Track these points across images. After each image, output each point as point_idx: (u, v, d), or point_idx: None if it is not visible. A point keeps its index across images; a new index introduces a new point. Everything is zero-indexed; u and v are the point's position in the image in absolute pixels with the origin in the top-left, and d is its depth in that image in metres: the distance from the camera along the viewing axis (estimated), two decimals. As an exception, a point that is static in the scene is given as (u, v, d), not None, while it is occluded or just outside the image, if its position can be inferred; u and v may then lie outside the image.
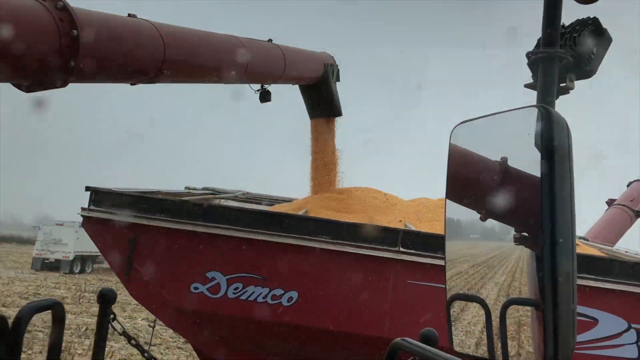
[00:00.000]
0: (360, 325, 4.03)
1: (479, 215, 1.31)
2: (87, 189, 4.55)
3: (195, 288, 4.28)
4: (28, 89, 3.33)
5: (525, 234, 1.19)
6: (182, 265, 4.35)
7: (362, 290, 4.20)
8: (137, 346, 3.99)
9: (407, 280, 4.13)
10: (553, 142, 1.12)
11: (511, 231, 1.25)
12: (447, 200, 1.44)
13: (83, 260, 28.58)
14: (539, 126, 1.14)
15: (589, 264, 4.14)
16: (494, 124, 1.33)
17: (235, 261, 4.29)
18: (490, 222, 1.29)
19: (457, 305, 1.40)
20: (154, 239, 4.37)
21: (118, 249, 4.47)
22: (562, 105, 3.30)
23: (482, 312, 1.28)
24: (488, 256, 1.39)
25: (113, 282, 23.73)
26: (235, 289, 4.26)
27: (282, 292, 4.22)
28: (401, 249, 4.13)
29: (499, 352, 1.22)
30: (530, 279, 1.15)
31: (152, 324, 6.80)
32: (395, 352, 2.19)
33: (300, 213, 5.13)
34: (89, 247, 26.59)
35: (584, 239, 6.94)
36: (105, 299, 3.54)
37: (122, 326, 3.68)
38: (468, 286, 1.42)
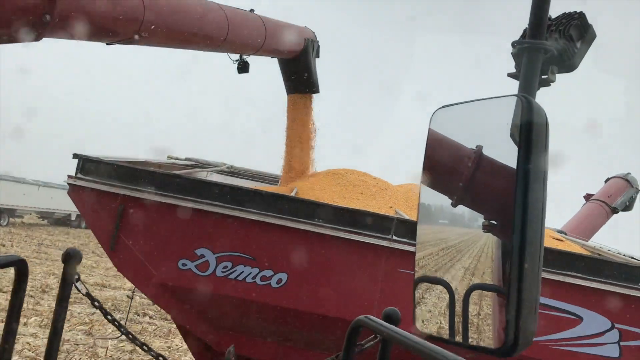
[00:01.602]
0: (348, 311, 4.12)
1: (450, 201, 1.35)
2: (75, 156, 4.50)
3: (183, 264, 4.31)
4: (1, 42, 3.29)
5: (494, 222, 1.23)
6: (171, 241, 4.36)
7: (353, 276, 4.28)
8: (100, 308, 3.99)
9: (398, 269, 4.21)
10: (532, 132, 1.15)
11: (480, 218, 1.29)
12: (422, 184, 1.48)
13: (-4, 212, 29.87)
14: (519, 116, 1.17)
15: (576, 262, 4.28)
16: (473, 111, 1.36)
17: (226, 239, 4.31)
18: (461, 208, 1.33)
19: (423, 287, 1.46)
20: (142, 211, 4.36)
21: (104, 220, 4.43)
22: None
23: (447, 295, 1.34)
24: (456, 241, 1.44)
25: (22, 235, 25.28)
26: (224, 268, 4.30)
27: (272, 273, 4.28)
28: (394, 237, 4.20)
29: (459, 335, 1.29)
30: (495, 266, 1.20)
31: (130, 295, 6.84)
32: (357, 329, 2.32)
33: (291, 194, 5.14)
34: (7, 200, 28.73)
35: (562, 232, 7.14)
36: (69, 258, 3.52)
37: (85, 287, 3.66)
38: (435, 269, 1.48)
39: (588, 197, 9.50)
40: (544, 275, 4.18)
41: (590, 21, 3.81)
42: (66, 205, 33.27)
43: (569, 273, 4.22)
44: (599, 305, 4.22)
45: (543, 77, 3.48)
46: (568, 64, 3.68)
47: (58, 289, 3.56)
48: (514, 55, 3.53)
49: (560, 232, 6.97)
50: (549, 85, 3.62)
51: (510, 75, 3.68)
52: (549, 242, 5.07)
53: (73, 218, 35.24)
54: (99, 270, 17.71)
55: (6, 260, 2.43)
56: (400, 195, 5.97)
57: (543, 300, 4.25)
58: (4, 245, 20.62)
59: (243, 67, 6.41)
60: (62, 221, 35.15)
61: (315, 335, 4.40)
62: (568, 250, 4.62)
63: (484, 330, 1.23)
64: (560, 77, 3.61)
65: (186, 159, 8.00)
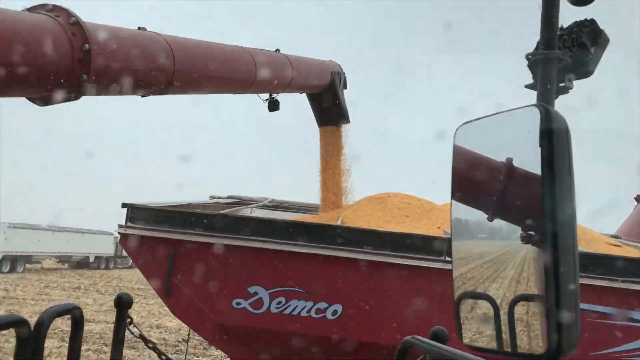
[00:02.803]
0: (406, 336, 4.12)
1: (485, 216, 1.38)
2: (124, 205, 4.70)
3: (238, 303, 4.43)
4: (43, 103, 3.54)
5: (531, 232, 1.24)
6: (223, 281, 4.49)
7: (408, 301, 4.31)
8: (154, 349, 4.12)
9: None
10: (552, 140, 1.17)
11: (518, 230, 1.31)
12: (453, 200, 1.50)
13: (13, 261, 30.98)
14: (539, 125, 1.19)
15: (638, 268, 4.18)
16: (496, 124, 1.38)
17: (277, 275, 4.43)
18: (497, 222, 1.36)
19: (465, 303, 1.50)
20: (193, 254, 4.51)
21: (157, 266, 4.60)
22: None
23: (491, 309, 1.37)
24: (495, 255, 1.46)
25: (33, 280, 26.29)
26: (278, 304, 4.40)
27: (326, 305, 4.36)
28: (447, 258, 4.22)
29: (506, 345, 1.32)
30: (537, 276, 1.22)
31: (185, 338, 7.01)
32: (406, 350, 2.37)
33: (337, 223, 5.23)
34: (21, 247, 30.51)
35: (617, 237, 6.97)
36: (122, 303, 3.71)
37: (139, 330, 3.81)
38: (476, 285, 1.51)
39: (639, 198, 9.29)
40: (610, 284, 4.13)
41: (606, 25, 3.87)
42: (83, 248, 36.20)
43: (632, 279, 4.15)
44: None
45: (560, 85, 3.55)
46: (583, 70, 3.78)
47: (113, 333, 3.73)
48: (530, 66, 3.61)
49: (614, 236, 6.82)
50: (567, 92, 3.71)
51: (527, 86, 3.76)
52: (606, 249, 4.99)
53: (92, 260, 37.24)
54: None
55: (64, 308, 2.63)
56: (446, 214, 5.97)
57: (608, 309, 4.17)
58: (7, 290, 21.17)
59: (273, 105, 6.66)
60: (81, 264, 36.80)
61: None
62: (629, 256, 4.54)
63: (530, 338, 1.28)
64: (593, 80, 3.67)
65: (228, 197, 8.22)
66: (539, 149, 1.20)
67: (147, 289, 26.61)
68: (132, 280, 31.16)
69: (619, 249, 5.30)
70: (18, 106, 3.55)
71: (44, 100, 3.57)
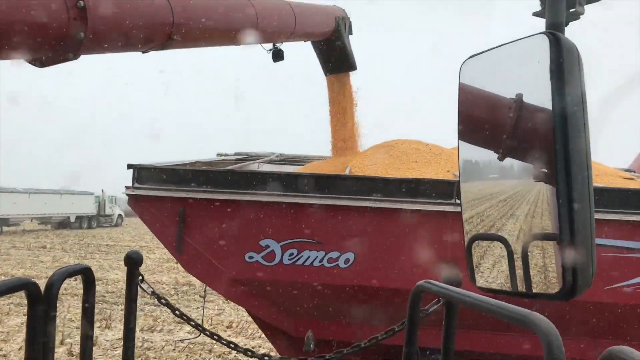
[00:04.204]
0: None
1: (495, 155, 1.34)
2: (130, 166, 4.73)
3: (250, 257, 4.51)
4: (42, 64, 3.53)
5: (544, 170, 1.21)
6: (235, 236, 4.55)
7: (421, 246, 4.36)
8: (168, 305, 4.23)
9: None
10: (563, 70, 1.12)
11: (530, 168, 1.28)
12: (460, 141, 1.48)
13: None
14: (549, 54, 1.14)
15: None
16: (503, 56, 1.32)
17: (288, 227, 4.49)
18: (508, 161, 1.32)
19: (477, 246, 1.49)
20: (203, 211, 4.56)
21: (167, 224, 4.67)
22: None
23: (504, 250, 1.36)
24: (506, 195, 1.43)
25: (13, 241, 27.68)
26: (290, 255, 4.47)
27: (338, 254, 4.43)
28: (457, 201, 4.25)
29: (521, 285, 1.31)
30: (551, 215, 1.20)
31: (202, 295, 7.19)
32: (419, 294, 2.41)
33: (345, 173, 5.26)
34: None
35: (631, 171, 6.97)
36: (132, 261, 3.78)
37: (150, 287, 3.91)
38: (487, 227, 1.50)
39: None
40: (621, 217, 4.17)
41: None
42: (62, 209, 38.33)
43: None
44: None
45: (570, 10, 3.39)
46: None
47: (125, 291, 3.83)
48: None
49: (628, 171, 6.82)
50: (578, 18, 3.51)
51: (535, 14, 3.60)
52: (621, 183, 5.00)
53: (73, 220, 39.68)
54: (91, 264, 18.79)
55: (74, 269, 2.70)
56: (455, 158, 5.98)
57: (623, 243, 4.22)
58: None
59: (278, 55, 6.56)
60: (63, 224, 39.25)
61: (391, 309, 4.52)
62: None
63: (545, 278, 1.27)
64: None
65: (235, 154, 8.25)
66: (550, 81, 1.14)
67: (118, 245, 27.87)
68: (107, 237, 32.74)
69: (634, 183, 5.31)
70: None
71: (42, 61, 3.55)
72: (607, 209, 4.15)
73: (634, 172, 6.92)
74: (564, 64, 1.13)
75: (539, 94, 1.19)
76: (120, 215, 47.01)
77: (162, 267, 20.33)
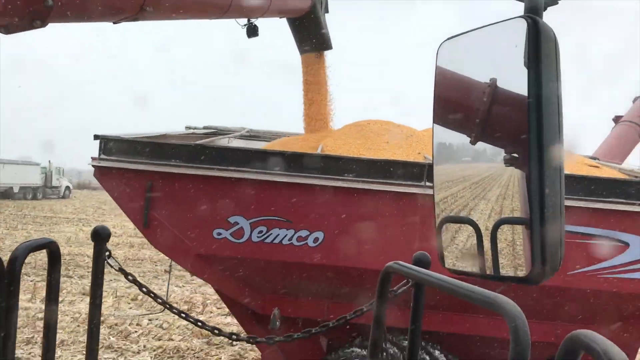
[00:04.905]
0: (388, 262, 4.26)
1: (468, 139, 1.34)
2: (96, 137, 4.64)
3: (219, 234, 4.50)
4: (7, 31, 3.43)
5: (515, 155, 1.23)
6: (203, 212, 4.53)
7: (389, 227, 4.42)
8: (135, 282, 4.22)
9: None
10: (540, 54, 1.12)
11: (501, 153, 1.28)
12: (435, 125, 1.48)
13: None
14: (526, 38, 1.14)
15: (616, 188, 4.33)
16: (481, 40, 1.32)
17: (258, 204, 4.47)
18: (480, 145, 1.33)
19: (447, 228, 1.50)
20: (171, 185, 4.53)
21: (134, 198, 4.62)
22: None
23: (474, 233, 1.37)
24: (477, 178, 1.45)
25: None
26: (259, 233, 4.48)
27: (308, 233, 4.45)
28: (427, 184, 4.30)
29: (489, 269, 1.33)
30: (521, 199, 1.21)
31: (167, 270, 7.16)
32: (389, 276, 2.45)
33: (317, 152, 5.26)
34: None
35: (595, 158, 7.15)
36: (99, 236, 3.73)
37: (117, 262, 3.90)
38: (458, 209, 1.50)
39: (617, 119, 9.42)
40: (586, 204, 4.28)
41: None
42: (5, 179, 37.84)
43: (610, 200, 4.30)
44: None
45: None
46: None
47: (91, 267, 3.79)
48: None
49: (593, 158, 6.99)
50: (556, 3, 3.56)
51: None
52: (585, 170, 5.12)
53: (16, 190, 39.25)
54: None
55: (37, 243, 2.64)
56: (427, 140, 6.03)
57: (586, 230, 4.35)
58: None
59: (252, 31, 6.50)
60: (6, 194, 38.63)
61: (358, 289, 4.58)
62: (607, 177, 4.68)
63: (514, 262, 1.28)
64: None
65: (204, 128, 8.16)
66: (525, 67, 1.14)
67: (56, 216, 27.79)
68: (47, 209, 32.58)
69: (598, 170, 5.45)
70: None
71: (7, 28, 3.44)
72: (571, 196, 4.26)
73: (598, 159, 7.09)
74: (541, 49, 1.13)
75: (514, 78, 1.19)
76: (67, 187, 46.71)
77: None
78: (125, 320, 9.47)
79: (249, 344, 7.99)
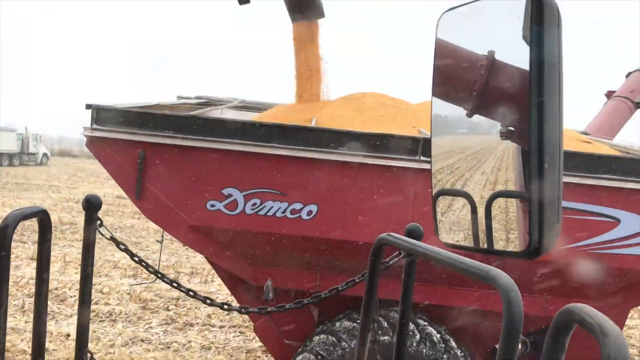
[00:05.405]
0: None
1: (465, 112, 1.36)
2: (88, 106, 4.61)
3: (212, 205, 4.52)
4: None
5: (511, 128, 1.23)
6: (196, 183, 4.54)
7: (383, 201, 4.45)
8: (127, 251, 4.23)
9: (428, 189, 4.34)
10: (542, 27, 1.11)
11: (497, 126, 1.29)
12: (433, 97, 1.49)
13: None
14: (528, 10, 1.13)
15: (608, 163, 4.36)
16: (481, 11, 1.31)
17: (252, 176, 4.48)
18: (477, 118, 1.34)
19: (442, 200, 1.54)
20: (164, 156, 4.52)
21: (126, 169, 4.61)
22: None
23: (469, 206, 1.40)
24: (473, 151, 1.47)
25: None
26: (253, 205, 4.50)
27: (302, 205, 4.47)
28: (421, 158, 4.32)
29: (484, 242, 1.35)
30: (516, 172, 1.24)
31: (159, 240, 7.20)
32: (381, 247, 2.49)
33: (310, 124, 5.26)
34: None
35: (587, 133, 7.19)
36: (90, 205, 3.73)
37: (109, 231, 3.92)
38: (454, 182, 1.54)
39: (610, 94, 9.40)
40: (578, 180, 4.33)
41: None
42: None
43: (602, 176, 4.34)
44: (635, 205, 4.36)
45: None
46: None
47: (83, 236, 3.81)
48: None
49: (584, 133, 7.02)
50: None
51: None
52: (577, 146, 5.16)
53: None
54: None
55: (29, 211, 2.64)
56: (422, 114, 6.03)
57: (578, 205, 4.40)
58: None
59: None
60: None
61: (352, 261, 4.63)
62: (599, 153, 4.71)
63: (509, 236, 1.31)
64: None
65: (196, 97, 8.11)
66: (524, 40, 1.13)
67: (28, 183, 27.87)
68: (21, 176, 33.01)
69: (590, 146, 5.48)
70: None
71: None
72: (564, 172, 4.29)
73: (590, 134, 7.13)
74: (543, 22, 1.12)
75: (515, 51, 1.19)
76: (45, 154, 46.78)
77: (62, 206, 20.32)
78: (67, 284, 9.59)
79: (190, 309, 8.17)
